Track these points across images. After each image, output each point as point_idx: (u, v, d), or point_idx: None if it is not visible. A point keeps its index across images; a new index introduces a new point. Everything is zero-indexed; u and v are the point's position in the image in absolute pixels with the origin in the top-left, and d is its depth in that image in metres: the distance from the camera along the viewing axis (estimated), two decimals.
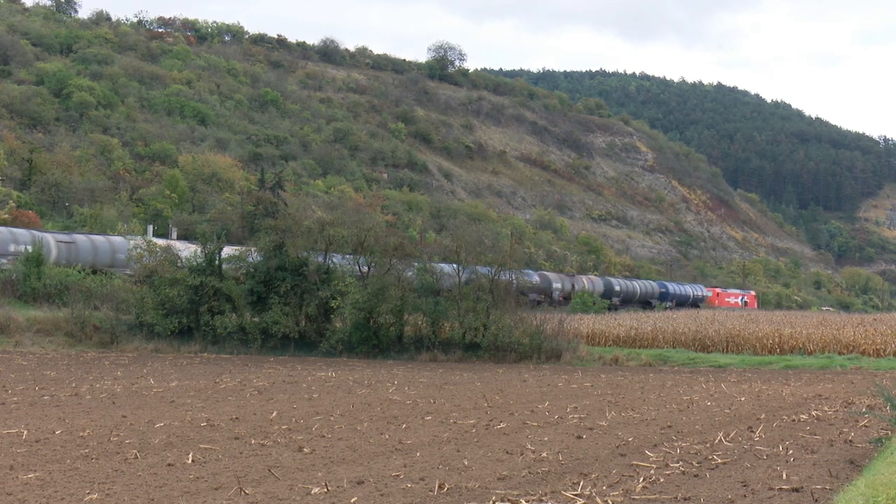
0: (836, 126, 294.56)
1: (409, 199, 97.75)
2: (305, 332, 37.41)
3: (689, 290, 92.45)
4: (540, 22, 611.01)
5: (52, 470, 12.48)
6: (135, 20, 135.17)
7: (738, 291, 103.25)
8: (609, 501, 11.16)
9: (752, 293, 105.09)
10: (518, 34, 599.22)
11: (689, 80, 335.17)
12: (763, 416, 19.47)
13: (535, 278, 66.75)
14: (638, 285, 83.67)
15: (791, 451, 14.74)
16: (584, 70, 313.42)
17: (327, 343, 36.63)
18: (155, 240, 42.86)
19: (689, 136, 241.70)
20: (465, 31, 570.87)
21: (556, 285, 71.22)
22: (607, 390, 25.05)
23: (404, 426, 17.19)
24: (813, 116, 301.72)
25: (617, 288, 79.64)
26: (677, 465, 13.53)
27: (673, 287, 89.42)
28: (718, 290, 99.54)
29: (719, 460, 13.92)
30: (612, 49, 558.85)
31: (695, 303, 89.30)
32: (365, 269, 38.58)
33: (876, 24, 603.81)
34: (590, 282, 76.98)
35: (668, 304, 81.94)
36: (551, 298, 67.00)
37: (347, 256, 40.02)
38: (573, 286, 72.27)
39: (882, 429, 16.82)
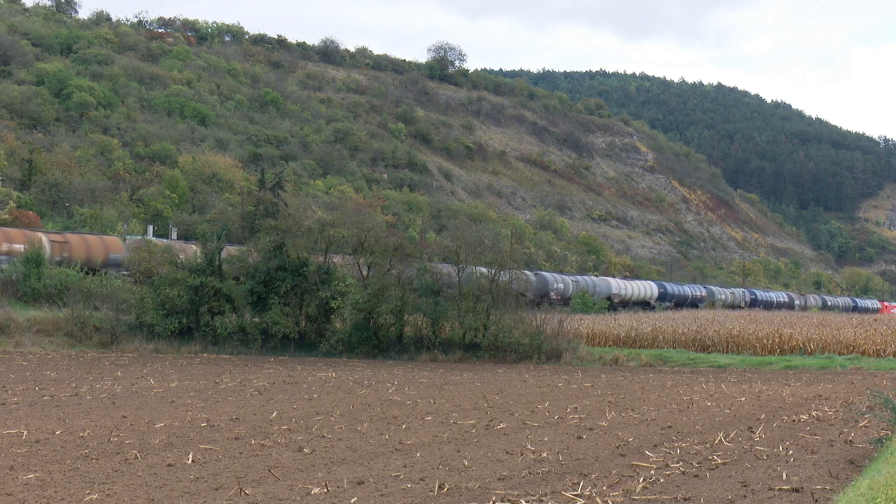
0: (836, 126, 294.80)
1: (409, 199, 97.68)
2: (305, 332, 37.41)
3: (869, 303, 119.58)
4: (535, 19, 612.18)
5: (52, 470, 12.48)
6: (135, 20, 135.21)
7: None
8: (609, 501, 11.16)
9: None
10: (514, 32, 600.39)
11: (689, 80, 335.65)
12: (763, 416, 19.47)
13: (784, 296, 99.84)
14: (840, 301, 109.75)
15: (791, 452, 14.75)
16: (584, 70, 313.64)
17: (327, 343, 36.64)
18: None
19: (689, 137, 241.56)
20: (462, 28, 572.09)
21: (798, 301, 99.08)
22: (607, 390, 25.05)
23: (404, 426, 17.19)
24: (813, 116, 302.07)
25: (829, 302, 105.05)
26: (677, 465, 13.53)
27: (860, 302, 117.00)
28: (886, 303, 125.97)
29: (719, 460, 13.92)
30: (608, 47, 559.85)
31: (872, 313, 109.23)
32: (365, 269, 38.58)
33: (876, 24, 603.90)
34: (813, 298, 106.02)
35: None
36: (792, 307, 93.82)
37: (347, 257, 40.02)
38: (806, 302, 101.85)
39: (882, 429, 16.81)
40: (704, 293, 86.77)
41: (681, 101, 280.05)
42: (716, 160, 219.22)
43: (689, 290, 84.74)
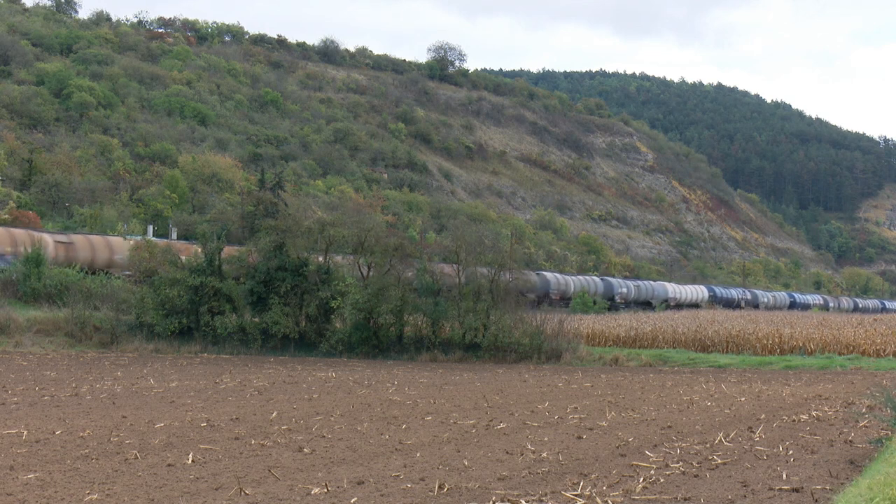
0: (836, 126, 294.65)
1: (409, 199, 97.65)
2: (305, 332, 37.41)
3: None
4: (535, 19, 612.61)
5: (52, 470, 12.48)
6: (135, 20, 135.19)
7: None
8: (609, 501, 11.16)
9: None
10: (513, 32, 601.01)
11: (689, 80, 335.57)
12: (763, 416, 19.47)
13: (819, 299, 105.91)
14: (870, 303, 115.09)
15: (791, 452, 14.75)
16: (584, 70, 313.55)
17: (327, 343, 36.64)
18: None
19: (689, 137, 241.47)
20: (461, 28, 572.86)
21: (832, 304, 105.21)
22: (607, 390, 25.05)
23: (404, 426, 17.19)
24: (813, 116, 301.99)
25: (860, 305, 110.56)
26: (677, 465, 13.54)
27: (888, 303, 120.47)
28: None
29: (719, 460, 13.92)
30: (608, 47, 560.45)
31: None
32: (365, 269, 38.58)
33: (876, 24, 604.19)
34: (845, 301, 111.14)
35: None
36: (826, 309, 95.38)
37: (348, 257, 40.02)
38: (839, 304, 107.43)
39: (882, 429, 16.81)
40: (749, 296, 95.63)
41: (681, 101, 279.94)
42: (716, 160, 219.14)
43: (735, 293, 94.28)
